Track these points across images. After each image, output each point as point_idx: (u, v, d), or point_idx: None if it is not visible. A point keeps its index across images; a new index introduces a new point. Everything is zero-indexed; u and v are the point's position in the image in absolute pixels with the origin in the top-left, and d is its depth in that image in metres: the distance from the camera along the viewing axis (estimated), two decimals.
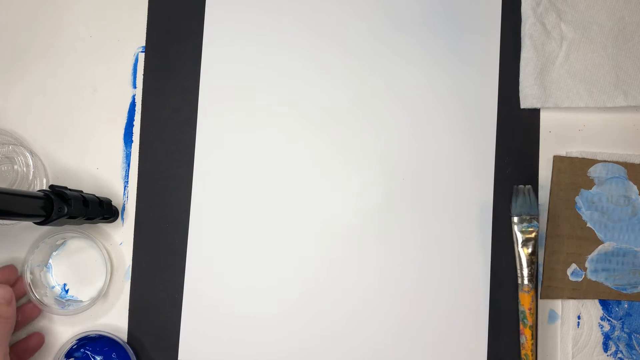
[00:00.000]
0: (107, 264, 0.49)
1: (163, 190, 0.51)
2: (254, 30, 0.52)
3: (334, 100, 0.51)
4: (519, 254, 0.47)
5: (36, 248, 0.49)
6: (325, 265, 0.50)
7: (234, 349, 0.50)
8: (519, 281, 0.47)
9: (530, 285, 0.47)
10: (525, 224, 0.47)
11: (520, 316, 0.47)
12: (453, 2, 0.52)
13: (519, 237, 0.47)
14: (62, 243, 0.51)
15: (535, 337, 0.47)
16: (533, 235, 0.47)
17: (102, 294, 0.49)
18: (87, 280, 0.51)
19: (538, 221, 0.47)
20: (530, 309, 0.47)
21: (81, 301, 0.50)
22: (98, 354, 0.48)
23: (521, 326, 0.47)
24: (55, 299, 0.50)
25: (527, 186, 0.48)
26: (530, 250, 0.47)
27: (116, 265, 0.51)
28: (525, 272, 0.47)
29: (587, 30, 0.50)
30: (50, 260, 0.51)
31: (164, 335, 0.50)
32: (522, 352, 0.47)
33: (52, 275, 0.51)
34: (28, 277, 0.48)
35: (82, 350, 0.48)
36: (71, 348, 0.48)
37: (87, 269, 0.51)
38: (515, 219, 0.47)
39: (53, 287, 0.51)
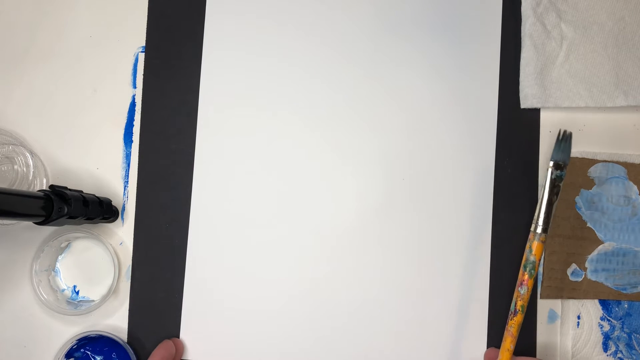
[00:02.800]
0: (115, 260, 0.49)
1: (163, 190, 0.51)
2: (254, 30, 0.52)
3: (334, 99, 0.51)
4: (547, 202, 0.45)
5: (41, 252, 0.49)
6: (325, 266, 0.50)
7: (234, 349, 0.50)
8: (534, 229, 0.45)
9: (545, 236, 0.45)
10: (559, 172, 0.45)
11: (528, 267, 0.44)
12: (453, 3, 0.52)
13: (549, 185, 0.45)
14: (67, 245, 0.51)
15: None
16: (561, 185, 0.45)
17: (112, 291, 0.49)
18: (96, 279, 0.51)
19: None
20: (540, 261, 0.45)
21: (92, 300, 0.50)
22: (98, 354, 0.48)
23: (526, 276, 0.44)
24: (67, 301, 0.50)
25: (569, 131, 0.46)
26: (555, 200, 0.45)
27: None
28: (543, 221, 0.45)
29: (587, 30, 0.50)
30: (58, 265, 0.51)
31: (164, 335, 0.50)
32: (519, 303, 0.45)
33: (61, 279, 0.51)
34: (35, 283, 0.48)
35: (82, 350, 0.49)
36: (71, 348, 0.48)
37: (95, 268, 0.51)
38: (551, 164, 0.45)
39: (63, 290, 0.51)
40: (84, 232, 0.49)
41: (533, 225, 0.45)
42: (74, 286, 0.51)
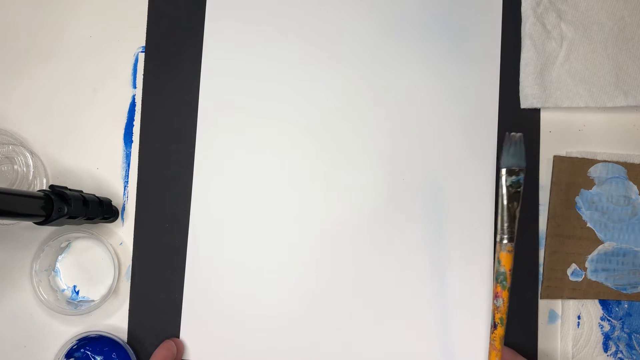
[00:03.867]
0: (115, 260, 0.49)
1: (163, 190, 0.51)
2: (254, 30, 0.52)
3: (334, 99, 0.51)
4: (506, 211, 0.42)
5: (41, 252, 0.49)
6: (325, 265, 0.50)
7: (233, 349, 0.50)
8: (499, 239, 0.43)
9: (512, 245, 0.42)
10: (514, 177, 0.42)
11: (499, 278, 0.42)
12: (453, 3, 0.52)
13: (506, 193, 0.42)
14: (67, 245, 0.51)
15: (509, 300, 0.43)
16: (520, 190, 0.42)
17: (112, 291, 0.49)
18: (96, 279, 0.51)
19: (524, 174, 0.42)
20: (510, 270, 0.42)
21: (92, 300, 0.50)
22: (98, 354, 0.48)
23: (499, 289, 0.42)
24: (67, 301, 0.50)
25: (518, 134, 0.43)
26: (517, 206, 0.42)
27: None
28: (508, 230, 0.42)
29: (587, 30, 0.50)
30: (58, 265, 0.51)
31: (164, 335, 0.50)
32: (497, 315, 0.43)
33: (61, 279, 0.51)
34: (35, 283, 0.48)
35: (82, 350, 0.49)
36: (71, 348, 0.48)
37: (95, 268, 0.51)
38: (504, 172, 0.42)
39: (63, 290, 0.51)
40: (84, 232, 0.49)
41: (498, 236, 0.43)
42: (74, 286, 0.51)
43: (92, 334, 0.48)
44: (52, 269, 0.51)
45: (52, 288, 0.50)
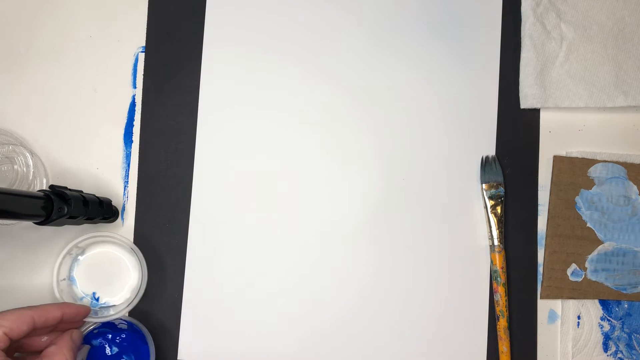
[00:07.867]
0: (140, 259, 0.48)
1: (163, 190, 0.51)
2: (254, 30, 0.52)
3: (333, 99, 0.51)
4: (489, 218, 0.49)
5: (60, 264, 0.47)
6: (324, 265, 0.50)
7: (233, 349, 0.50)
8: (490, 243, 0.49)
9: (501, 246, 0.49)
10: (493, 190, 0.49)
11: (494, 275, 0.49)
12: (453, 3, 0.52)
13: (488, 203, 0.49)
14: (82, 252, 0.50)
15: (507, 294, 0.49)
16: (500, 200, 0.49)
17: (140, 292, 0.48)
18: (114, 283, 0.50)
19: (504, 187, 0.49)
20: (502, 268, 0.49)
21: (113, 305, 0.49)
22: (117, 345, 0.47)
23: (495, 285, 0.49)
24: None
25: (492, 155, 0.50)
26: (499, 213, 0.49)
27: None
28: (495, 234, 0.49)
29: (587, 30, 0.50)
30: (73, 273, 0.49)
31: (164, 335, 0.50)
32: (497, 309, 0.49)
33: (77, 287, 0.49)
34: (58, 293, 0.47)
35: (99, 339, 0.47)
36: (91, 332, 0.47)
37: (112, 272, 0.50)
38: (484, 186, 0.49)
39: (82, 298, 0.49)
40: (103, 235, 0.48)
41: (489, 241, 0.49)
42: (94, 293, 0.50)
43: (119, 322, 0.47)
44: (67, 278, 0.49)
45: (71, 298, 0.49)
